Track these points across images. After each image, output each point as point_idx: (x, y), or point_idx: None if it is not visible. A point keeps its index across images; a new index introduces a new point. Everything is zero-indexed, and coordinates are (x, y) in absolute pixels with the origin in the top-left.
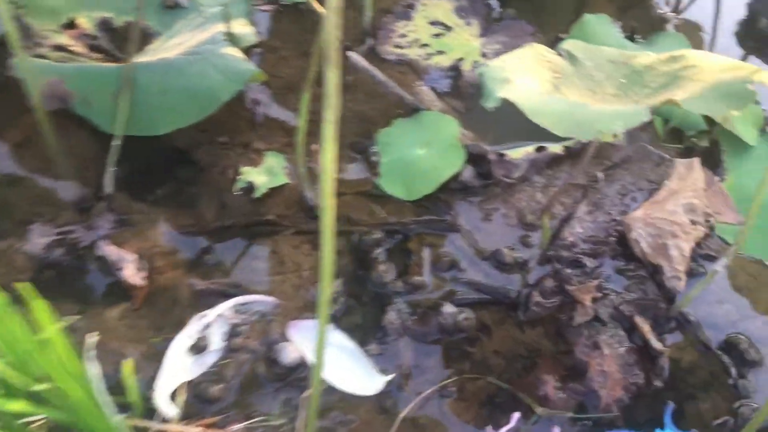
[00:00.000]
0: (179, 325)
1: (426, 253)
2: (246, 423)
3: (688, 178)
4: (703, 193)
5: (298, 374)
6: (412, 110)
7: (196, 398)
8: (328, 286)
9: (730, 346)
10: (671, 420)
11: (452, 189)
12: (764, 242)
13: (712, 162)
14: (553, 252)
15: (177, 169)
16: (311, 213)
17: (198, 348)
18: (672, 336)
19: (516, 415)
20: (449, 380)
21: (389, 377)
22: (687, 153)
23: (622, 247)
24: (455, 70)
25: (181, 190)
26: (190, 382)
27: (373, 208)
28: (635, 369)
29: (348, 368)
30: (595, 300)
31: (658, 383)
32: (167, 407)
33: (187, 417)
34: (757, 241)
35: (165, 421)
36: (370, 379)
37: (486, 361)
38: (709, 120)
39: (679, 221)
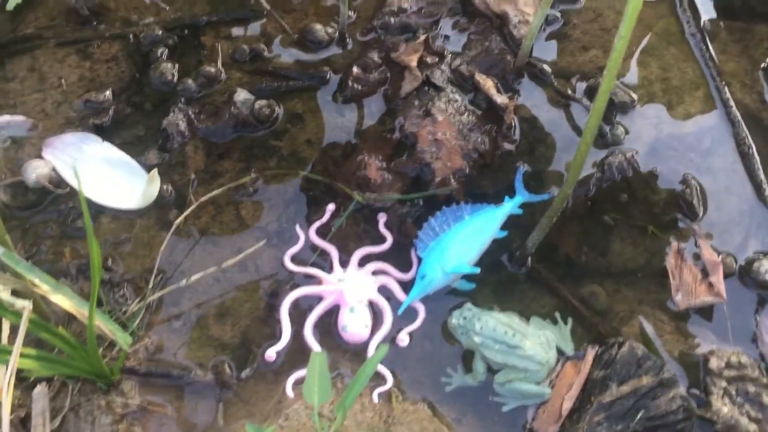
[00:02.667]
0: None
1: (222, 46)
2: None
3: None
4: None
5: (51, 197)
6: None
7: None
8: None
9: (593, 91)
10: (522, 184)
11: None
12: None
13: None
14: (378, 21)
15: None
16: (80, 19)
17: None
18: (526, 92)
19: (330, 207)
20: (246, 178)
21: (158, 181)
22: None
23: (462, 4)
24: None
25: None
26: None
27: (159, 6)
28: (477, 134)
29: (116, 183)
30: (425, 63)
31: (507, 146)
32: None
33: None
34: None
35: None
36: (142, 190)
37: (297, 154)
38: None
39: None
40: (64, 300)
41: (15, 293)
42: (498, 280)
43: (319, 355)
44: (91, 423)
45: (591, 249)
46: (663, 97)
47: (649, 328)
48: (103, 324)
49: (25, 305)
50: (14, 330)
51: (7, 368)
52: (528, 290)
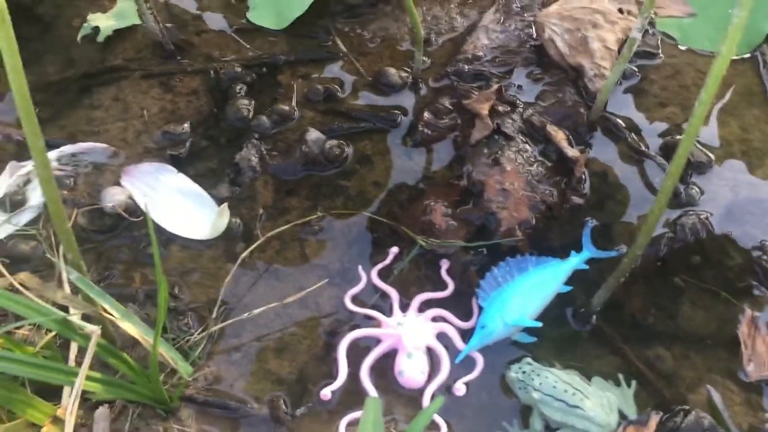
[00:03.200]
0: None
1: (298, 84)
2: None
3: None
4: None
5: (126, 223)
6: None
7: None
8: None
9: (669, 149)
10: (590, 239)
11: (334, 12)
12: (718, 33)
13: None
14: (452, 67)
15: (18, 27)
16: (165, 53)
17: (13, 203)
18: (598, 146)
19: (393, 250)
20: (313, 216)
21: (228, 215)
22: None
23: (538, 55)
24: None
25: (22, 47)
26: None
27: (240, 44)
28: (545, 185)
29: (188, 213)
30: (497, 112)
31: (576, 199)
32: None
33: None
34: (710, 31)
35: None
36: (211, 222)
37: (363, 194)
38: None
39: (602, 9)
40: (131, 327)
41: (85, 317)
42: (560, 335)
43: (374, 401)
44: None
45: (659, 310)
46: (742, 159)
47: (717, 398)
48: (166, 352)
49: (94, 330)
50: (81, 351)
51: (72, 390)
52: (591, 348)
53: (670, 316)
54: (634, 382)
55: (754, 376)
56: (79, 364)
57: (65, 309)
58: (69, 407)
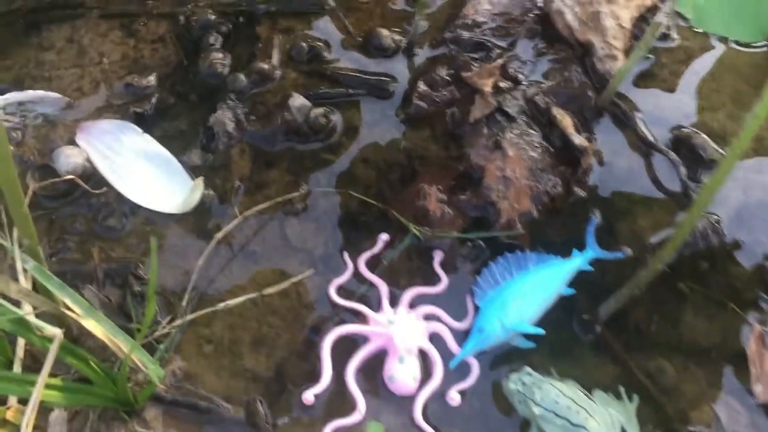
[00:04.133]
0: None
1: (279, 40)
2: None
3: None
4: None
5: (83, 189)
6: None
7: None
8: None
9: (680, 142)
10: (594, 238)
11: None
12: (733, 17)
13: None
14: (450, 33)
15: None
16: None
17: None
18: (604, 134)
19: (383, 237)
20: (296, 194)
21: (202, 189)
22: None
23: (544, 26)
24: None
25: None
26: None
27: None
28: (550, 174)
29: (155, 182)
30: (499, 89)
31: (580, 192)
32: None
33: None
34: (724, 14)
35: None
36: (184, 194)
37: (351, 171)
38: None
39: None
40: (96, 327)
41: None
42: (558, 339)
43: (376, 427)
44: None
45: (662, 318)
46: (754, 158)
47: (723, 417)
48: (135, 355)
49: (56, 333)
50: (32, 353)
51: (29, 402)
52: (589, 355)
53: (673, 325)
54: (636, 397)
55: (763, 398)
56: (28, 367)
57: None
58: (24, 424)
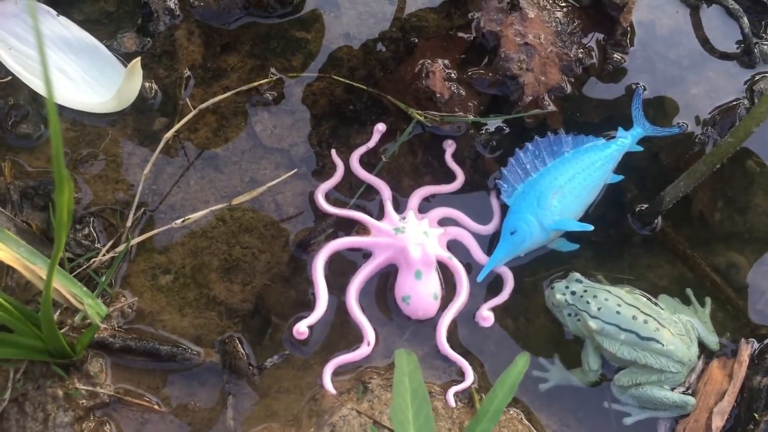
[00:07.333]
0: None
1: None
2: None
3: None
4: None
5: None
6: None
7: None
8: None
9: None
10: (642, 113)
11: None
12: None
13: None
14: None
15: None
16: None
17: None
18: None
19: (379, 128)
20: (264, 81)
21: (140, 77)
22: None
23: None
24: None
25: None
26: None
27: None
28: (581, 38)
29: (78, 75)
30: None
31: (618, 57)
32: None
33: None
34: None
35: None
36: (116, 87)
37: (330, 50)
38: None
39: None
40: (5, 251)
41: None
42: (604, 239)
43: (407, 356)
44: (43, 421)
45: (727, 204)
46: None
47: None
48: (64, 288)
49: None
50: None
51: None
52: (642, 255)
53: (740, 211)
54: (708, 300)
55: None
56: None
57: None
58: None
